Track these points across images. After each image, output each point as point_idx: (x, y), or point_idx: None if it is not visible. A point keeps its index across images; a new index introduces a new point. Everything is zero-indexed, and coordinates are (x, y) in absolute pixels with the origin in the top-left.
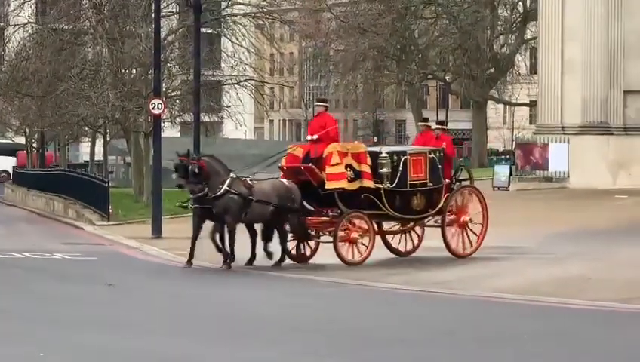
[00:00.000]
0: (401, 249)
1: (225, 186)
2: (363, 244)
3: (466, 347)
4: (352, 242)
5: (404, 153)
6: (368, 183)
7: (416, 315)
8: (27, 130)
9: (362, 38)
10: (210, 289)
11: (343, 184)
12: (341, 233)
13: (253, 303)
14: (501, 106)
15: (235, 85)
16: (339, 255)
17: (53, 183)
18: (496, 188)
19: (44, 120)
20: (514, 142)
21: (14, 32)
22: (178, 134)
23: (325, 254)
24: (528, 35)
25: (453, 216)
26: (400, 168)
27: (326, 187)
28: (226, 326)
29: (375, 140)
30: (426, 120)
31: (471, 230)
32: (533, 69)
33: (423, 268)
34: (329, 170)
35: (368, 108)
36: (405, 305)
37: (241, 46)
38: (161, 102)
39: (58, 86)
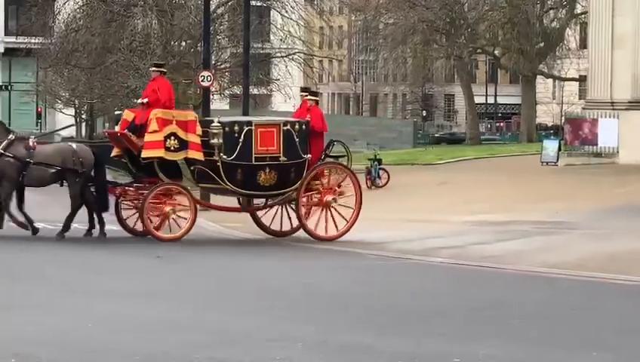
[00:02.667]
0: (283, 229)
1: None
2: (181, 218)
3: (512, 322)
4: (165, 216)
5: (248, 123)
6: (195, 154)
7: (463, 290)
8: (76, 102)
9: (412, 11)
10: (258, 262)
11: (159, 153)
12: (151, 205)
13: (299, 275)
14: (550, 81)
15: (285, 58)
16: (146, 229)
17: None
18: (545, 164)
19: (93, 92)
20: (563, 117)
21: (65, 3)
22: (227, 107)
23: (370, 228)
24: (578, 9)
25: (312, 193)
26: (241, 140)
27: (141, 156)
28: (268, 298)
29: (424, 114)
30: (305, 89)
31: (338, 212)
32: (583, 44)
33: (473, 243)
34: (146, 137)
35: (417, 83)
36: (453, 280)
37: (291, 19)
38: (210, 74)
39: (107, 58)
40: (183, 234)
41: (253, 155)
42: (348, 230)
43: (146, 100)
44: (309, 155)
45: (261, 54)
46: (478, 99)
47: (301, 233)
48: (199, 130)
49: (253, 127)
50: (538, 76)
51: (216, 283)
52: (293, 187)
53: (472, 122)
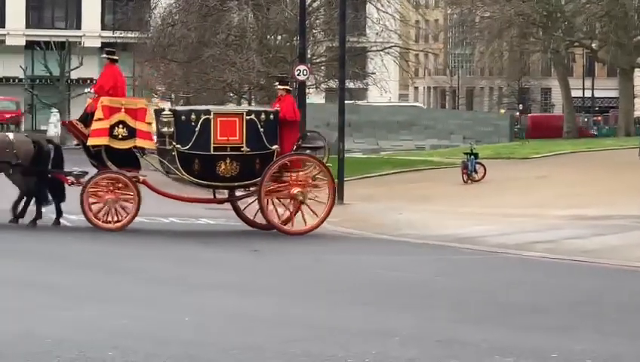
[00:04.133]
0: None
1: None
2: (123, 208)
3: (609, 317)
4: (108, 205)
5: (206, 112)
6: (143, 143)
7: (559, 284)
8: (172, 96)
9: (508, 4)
10: (354, 256)
11: (104, 141)
12: (92, 194)
13: (396, 269)
14: None
15: (380, 52)
16: (86, 218)
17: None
18: None
19: (190, 86)
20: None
21: None
22: (323, 100)
23: (466, 223)
24: None
25: (278, 186)
26: (198, 129)
27: (87, 144)
28: (368, 291)
29: (521, 108)
30: (277, 79)
31: (307, 205)
32: None
33: (569, 237)
34: (93, 125)
35: (513, 76)
36: (549, 274)
37: (387, 12)
38: (306, 68)
39: (203, 52)
40: (124, 224)
41: (212, 145)
42: (317, 225)
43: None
44: (276, 146)
45: (357, 48)
46: (574, 93)
47: (403, 228)
48: (149, 118)
49: (211, 116)
50: (636, 69)
51: (310, 278)
52: (259, 178)
53: (569, 116)
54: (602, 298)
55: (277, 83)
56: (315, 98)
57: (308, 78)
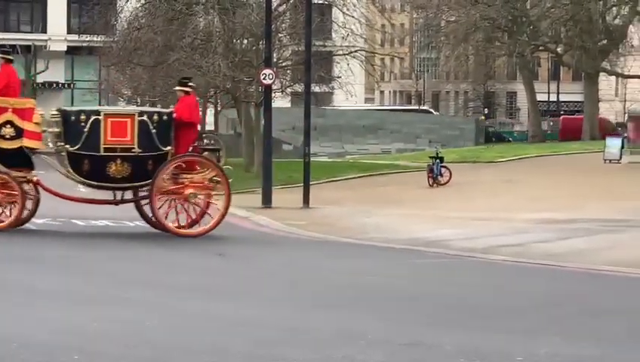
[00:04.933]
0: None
1: None
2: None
3: (575, 320)
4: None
5: (96, 113)
6: (30, 143)
7: (524, 287)
8: (139, 100)
9: (473, 9)
10: (320, 260)
11: None
12: None
13: (361, 272)
14: (613, 78)
15: (346, 56)
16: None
17: None
18: (608, 161)
19: (156, 90)
20: (626, 115)
21: (127, 1)
22: (289, 104)
23: (432, 226)
24: None
25: (175, 187)
26: (87, 129)
27: None
28: (334, 294)
29: (486, 112)
30: (179, 81)
31: (201, 207)
32: None
33: (535, 241)
34: None
35: (479, 80)
36: (514, 277)
37: (352, 17)
38: (271, 72)
39: (169, 56)
40: (5, 226)
41: (102, 146)
42: (212, 228)
43: None
44: (169, 147)
45: (323, 52)
46: (540, 97)
47: (367, 232)
48: (37, 118)
49: (101, 117)
50: (601, 73)
51: (277, 281)
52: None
53: (534, 120)
54: (568, 301)
55: (179, 85)
56: (281, 102)
57: (274, 81)
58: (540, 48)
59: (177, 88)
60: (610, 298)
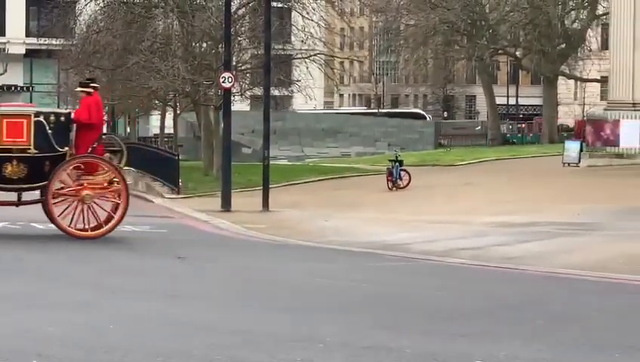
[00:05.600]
0: (77, 226)
1: None
2: None
3: (534, 323)
4: None
5: None
6: None
7: (483, 290)
8: None
9: (433, 12)
10: (280, 263)
11: None
12: None
13: (321, 276)
14: (572, 82)
15: (305, 59)
16: None
17: None
18: (567, 165)
19: (115, 93)
20: (584, 119)
21: (86, 5)
22: (248, 108)
23: (391, 230)
24: (600, 10)
25: (74, 188)
26: None
27: None
28: (294, 298)
29: (445, 115)
30: (80, 82)
31: (103, 209)
32: (605, 45)
33: (494, 244)
34: None
35: (438, 84)
36: (474, 281)
37: (312, 20)
38: (231, 75)
39: (129, 59)
40: None
41: None
42: (110, 230)
43: None
44: (67, 148)
45: (282, 55)
46: (499, 100)
47: (330, 235)
48: None
49: None
50: (560, 77)
51: (238, 284)
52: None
53: (493, 123)
54: (526, 304)
55: (79, 86)
56: (240, 105)
57: (233, 85)
58: (499, 52)
59: (79, 89)
60: (568, 301)
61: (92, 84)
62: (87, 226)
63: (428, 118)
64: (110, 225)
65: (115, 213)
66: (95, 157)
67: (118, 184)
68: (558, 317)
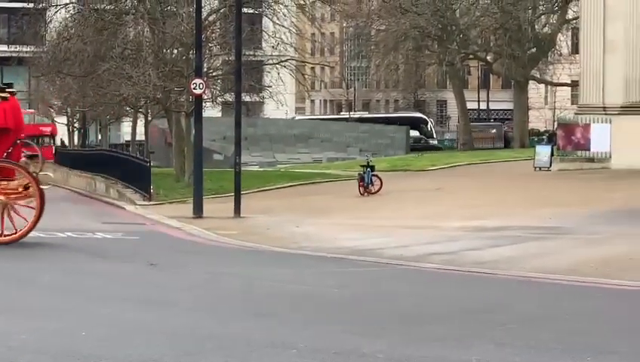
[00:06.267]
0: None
1: None
2: None
3: (506, 327)
4: None
5: None
6: None
7: (456, 295)
8: (69, 110)
9: (403, 17)
10: (252, 269)
11: None
12: None
13: (293, 282)
14: (543, 86)
15: (277, 65)
16: None
17: (94, 163)
18: (538, 169)
19: (86, 100)
20: (555, 123)
21: (56, 12)
22: (219, 114)
23: (363, 235)
24: (570, 14)
25: None
26: None
27: None
28: (266, 304)
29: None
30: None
31: (18, 213)
32: (575, 49)
33: (466, 249)
34: None
35: (409, 89)
36: (446, 285)
37: (283, 26)
38: (202, 82)
39: (100, 66)
40: None
41: None
42: (22, 236)
43: None
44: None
45: (253, 61)
46: (470, 105)
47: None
48: None
49: None
50: (530, 81)
51: (210, 291)
52: None
53: (464, 128)
54: (499, 308)
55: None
56: (211, 112)
57: (204, 91)
58: (470, 57)
59: None
60: (540, 305)
61: (8, 90)
62: (3, 232)
63: (430, 123)
64: (22, 231)
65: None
66: (10, 163)
67: (32, 189)
68: (530, 320)
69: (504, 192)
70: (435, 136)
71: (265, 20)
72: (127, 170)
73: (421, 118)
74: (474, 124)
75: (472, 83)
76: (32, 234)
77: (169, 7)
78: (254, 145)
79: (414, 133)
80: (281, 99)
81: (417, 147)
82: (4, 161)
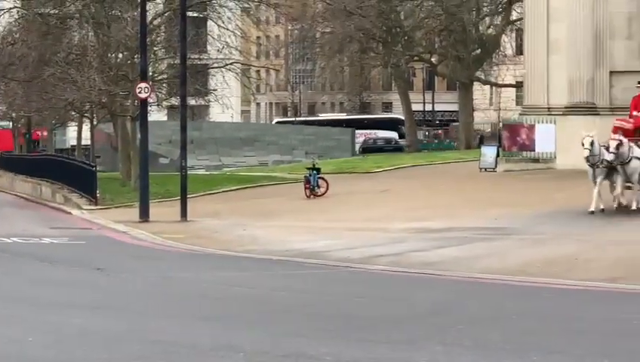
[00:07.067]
0: None
1: None
2: None
3: (454, 328)
4: None
5: None
6: None
7: (403, 296)
8: (14, 115)
9: (348, 20)
10: (199, 273)
11: None
12: None
13: (240, 285)
14: (487, 87)
15: (222, 68)
16: None
17: (40, 168)
18: (484, 170)
19: (31, 105)
20: (500, 124)
21: (0, 16)
22: (165, 118)
23: (309, 237)
24: (514, 15)
25: None
26: None
27: None
28: (213, 308)
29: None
30: None
31: None
32: (519, 50)
33: (413, 250)
34: None
35: (355, 91)
36: (393, 287)
37: (228, 29)
38: (147, 85)
39: (44, 70)
40: None
41: None
42: None
43: None
44: None
45: (198, 65)
46: (415, 107)
47: (253, 244)
48: None
49: None
50: (475, 83)
51: (158, 295)
52: None
53: (409, 130)
54: (446, 310)
55: None
56: (157, 115)
57: (150, 95)
58: (415, 58)
59: None
60: (487, 305)
61: None
62: None
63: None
64: None
65: None
66: None
67: None
68: (478, 321)
69: (450, 194)
70: None
71: (210, 24)
72: (73, 174)
73: (399, 119)
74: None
75: (417, 85)
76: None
77: (113, 12)
78: (200, 149)
79: (390, 135)
80: (226, 103)
81: (388, 148)
82: None
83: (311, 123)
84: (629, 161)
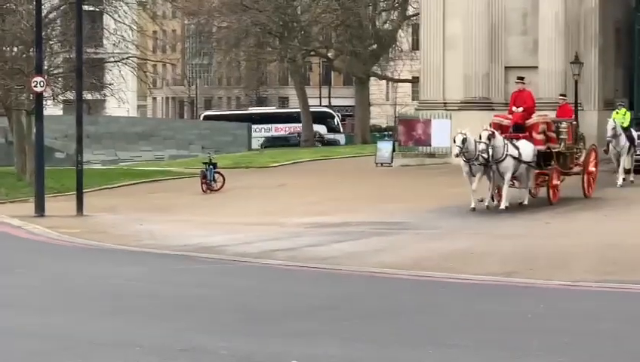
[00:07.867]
0: None
1: None
2: None
3: (349, 321)
4: None
5: None
6: None
7: (300, 291)
8: None
9: (245, 14)
10: (96, 268)
11: None
12: None
13: (138, 280)
14: (384, 83)
15: (118, 63)
16: None
17: None
18: (380, 165)
19: None
20: (396, 119)
21: None
22: (61, 112)
23: (206, 232)
24: (410, 11)
25: None
26: None
27: None
28: (112, 303)
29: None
30: None
31: None
32: (416, 46)
33: (309, 245)
34: None
35: (251, 86)
36: (289, 281)
37: (124, 23)
38: (43, 79)
39: None
40: None
41: None
42: None
43: None
44: None
45: (94, 59)
46: (312, 102)
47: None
48: None
49: None
50: (372, 78)
51: (54, 291)
52: None
53: (306, 124)
54: (343, 304)
55: None
56: (52, 110)
57: (45, 89)
58: (312, 53)
59: None
60: (383, 299)
61: None
62: None
63: (337, 117)
64: None
65: None
66: None
67: None
68: (373, 315)
69: (346, 188)
70: (342, 131)
71: (106, 18)
72: None
73: (328, 112)
74: None
75: (314, 79)
76: None
77: (8, 4)
78: (96, 144)
79: (318, 128)
80: (122, 97)
81: (320, 141)
82: None
83: (241, 117)
84: (504, 158)
